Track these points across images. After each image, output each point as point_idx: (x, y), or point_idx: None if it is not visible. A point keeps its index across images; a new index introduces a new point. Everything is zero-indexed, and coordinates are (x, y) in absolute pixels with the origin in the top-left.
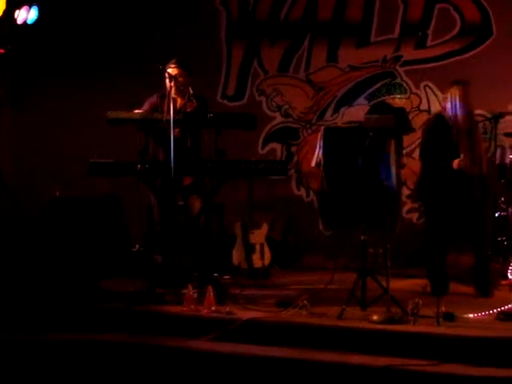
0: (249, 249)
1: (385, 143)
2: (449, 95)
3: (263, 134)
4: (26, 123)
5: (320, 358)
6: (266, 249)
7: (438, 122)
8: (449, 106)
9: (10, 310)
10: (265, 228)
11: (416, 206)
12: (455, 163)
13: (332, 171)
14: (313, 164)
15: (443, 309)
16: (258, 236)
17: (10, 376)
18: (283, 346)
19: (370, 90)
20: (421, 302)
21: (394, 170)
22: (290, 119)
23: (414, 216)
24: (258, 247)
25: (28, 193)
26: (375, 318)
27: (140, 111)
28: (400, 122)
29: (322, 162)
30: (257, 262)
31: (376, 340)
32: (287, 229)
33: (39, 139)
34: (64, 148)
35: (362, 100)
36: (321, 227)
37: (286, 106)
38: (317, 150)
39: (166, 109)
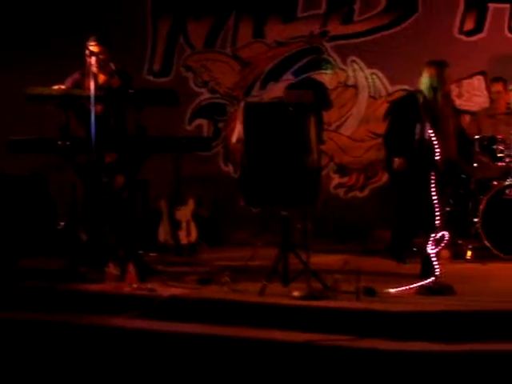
0: (175, 225)
1: (305, 119)
2: (424, 75)
3: (190, 110)
4: None
5: (241, 335)
6: (193, 225)
7: (409, 102)
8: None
9: None
10: (191, 204)
11: (344, 181)
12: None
13: (253, 147)
14: (234, 140)
15: (363, 284)
16: (185, 213)
17: None
18: (205, 322)
19: (297, 66)
20: (340, 277)
21: (314, 145)
22: (217, 95)
23: (341, 191)
24: (184, 224)
25: None
26: (296, 293)
27: (59, 87)
28: (319, 97)
29: (242, 137)
30: (183, 239)
31: (297, 316)
32: (214, 205)
33: None
34: None
35: (288, 75)
36: (242, 203)
37: (213, 82)
38: (237, 126)
39: (87, 85)
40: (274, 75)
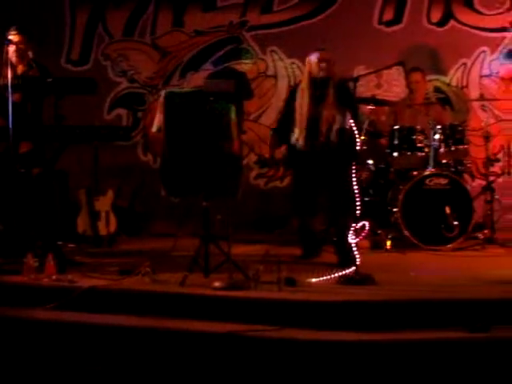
0: (94, 216)
1: (225, 108)
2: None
3: (109, 99)
4: None
5: (162, 326)
6: (112, 216)
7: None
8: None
9: None
10: (110, 195)
11: (263, 171)
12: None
13: (173, 136)
14: (154, 129)
15: (284, 274)
16: (103, 203)
17: None
18: (126, 313)
19: (217, 55)
20: (261, 267)
21: (235, 135)
22: (136, 84)
23: (262, 182)
24: (103, 214)
25: None
26: (217, 284)
27: None
28: (240, 87)
29: (163, 126)
30: (102, 230)
31: (218, 307)
32: (134, 195)
33: None
34: None
35: (208, 65)
36: (163, 193)
37: (132, 71)
38: (157, 115)
39: (5, 74)
40: (194, 65)
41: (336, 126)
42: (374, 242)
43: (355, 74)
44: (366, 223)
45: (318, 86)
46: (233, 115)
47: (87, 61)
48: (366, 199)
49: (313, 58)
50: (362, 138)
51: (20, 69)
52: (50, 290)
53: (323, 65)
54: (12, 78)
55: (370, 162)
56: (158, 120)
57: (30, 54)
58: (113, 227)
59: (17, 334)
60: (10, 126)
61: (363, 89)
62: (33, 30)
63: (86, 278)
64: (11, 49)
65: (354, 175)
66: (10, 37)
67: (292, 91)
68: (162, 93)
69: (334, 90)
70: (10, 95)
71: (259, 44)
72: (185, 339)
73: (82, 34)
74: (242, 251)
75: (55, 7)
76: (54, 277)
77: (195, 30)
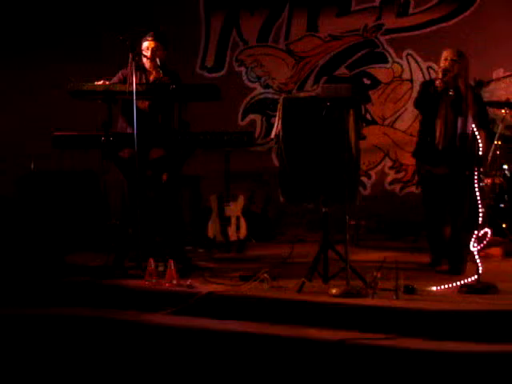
0: (224, 221)
1: (343, 113)
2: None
3: (243, 105)
4: None
5: (277, 332)
6: (242, 222)
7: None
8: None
9: None
10: (241, 200)
11: (399, 177)
12: None
13: (291, 143)
14: (272, 135)
15: (405, 282)
16: (234, 209)
17: None
18: (242, 319)
19: (351, 60)
20: (379, 274)
21: (353, 141)
22: (270, 90)
23: (397, 187)
24: (233, 220)
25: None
26: (334, 291)
27: (104, 83)
28: (357, 91)
29: (280, 132)
30: (232, 235)
31: (333, 314)
32: (267, 201)
33: (5, 112)
34: (36, 121)
35: (342, 70)
36: (281, 200)
37: (266, 77)
38: (276, 121)
39: (135, 80)
40: (328, 70)
41: (459, 131)
42: (508, 250)
43: (494, 77)
44: (489, 231)
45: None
46: (350, 120)
47: (222, 67)
48: (501, 206)
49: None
50: (496, 143)
51: (153, 75)
52: (170, 295)
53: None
54: (144, 85)
55: (505, 167)
56: (276, 126)
57: (161, 60)
58: (243, 233)
59: (135, 338)
60: (135, 132)
61: (503, 92)
62: (168, 37)
63: (207, 283)
64: (146, 55)
65: (476, 181)
66: (146, 43)
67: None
68: (280, 99)
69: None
70: (134, 102)
71: (395, 47)
72: (298, 346)
73: (217, 40)
74: (369, 257)
75: (190, 14)
76: (174, 282)
77: (329, 35)
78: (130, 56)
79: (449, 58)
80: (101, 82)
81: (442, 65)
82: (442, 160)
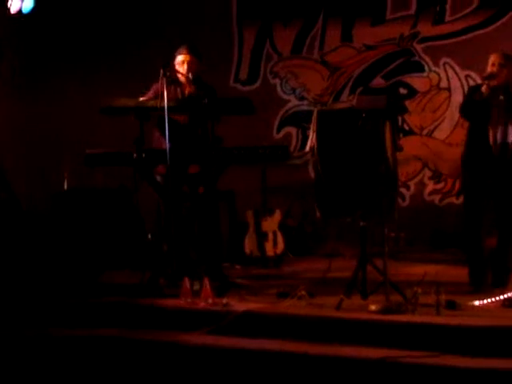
0: (261, 237)
1: (379, 125)
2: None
3: (278, 117)
4: (27, 114)
5: (315, 351)
6: (279, 236)
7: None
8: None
9: (12, 306)
10: (278, 215)
11: (438, 187)
12: None
13: (326, 156)
14: (307, 149)
15: (446, 296)
16: (271, 223)
17: (11, 373)
18: (279, 338)
19: (387, 69)
20: (419, 289)
21: (389, 152)
22: (305, 102)
23: (436, 198)
24: (270, 235)
25: (35, 185)
26: (373, 307)
27: (139, 98)
28: (393, 102)
29: (315, 146)
30: (269, 250)
31: (373, 331)
32: (304, 215)
33: (42, 130)
34: (69, 138)
35: (378, 80)
36: (317, 214)
37: (301, 89)
38: (310, 134)
39: (170, 95)
40: (364, 80)
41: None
42: None
43: None
44: None
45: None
46: (387, 132)
47: (256, 80)
48: None
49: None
50: None
51: (188, 89)
52: (205, 314)
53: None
54: (176, 100)
55: None
56: (310, 139)
57: (196, 73)
58: (280, 248)
59: (170, 359)
60: (168, 147)
61: None
62: (201, 50)
63: (243, 301)
64: (180, 69)
65: None
66: (180, 57)
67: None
68: (314, 112)
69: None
70: (166, 118)
71: (431, 56)
72: (337, 365)
73: (250, 52)
74: (409, 271)
75: (223, 27)
76: (210, 300)
77: (364, 44)
78: (161, 71)
79: (496, 63)
80: (129, 99)
81: (489, 70)
82: (493, 169)
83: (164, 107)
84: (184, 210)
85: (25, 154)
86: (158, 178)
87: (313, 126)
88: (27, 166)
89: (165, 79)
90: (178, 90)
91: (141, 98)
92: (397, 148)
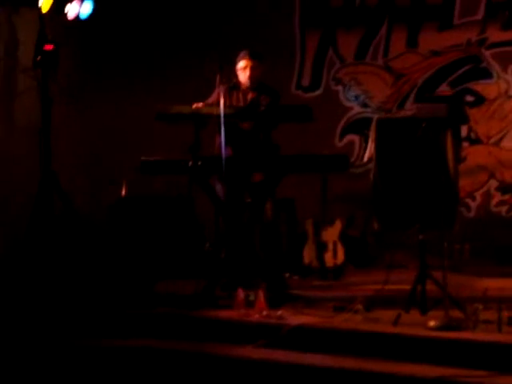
0: (321, 247)
1: (440, 134)
2: None
3: (340, 125)
4: (83, 122)
5: (370, 368)
6: (340, 247)
7: None
8: None
9: (65, 315)
10: (338, 224)
11: (505, 198)
12: None
13: (385, 166)
14: (365, 159)
15: (506, 313)
16: (331, 233)
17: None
18: (333, 353)
19: (454, 76)
20: (481, 306)
21: (451, 163)
22: (369, 109)
23: (503, 209)
24: (330, 245)
25: (92, 193)
26: (432, 324)
27: (196, 105)
28: (455, 111)
29: (374, 155)
30: (329, 261)
31: (430, 348)
32: (365, 225)
33: (99, 137)
34: (128, 145)
35: (444, 87)
36: (376, 226)
37: (364, 96)
38: (369, 144)
39: (234, 101)
40: (429, 87)
41: None
42: None
43: None
44: None
45: None
46: (448, 142)
47: (318, 86)
48: None
49: None
50: None
51: (250, 95)
52: (259, 327)
53: None
54: (233, 107)
55: None
56: (369, 149)
57: (258, 78)
58: (340, 259)
59: (222, 373)
60: (224, 156)
61: None
62: (263, 55)
63: (298, 314)
64: (241, 75)
65: None
66: (242, 62)
67: None
68: (374, 121)
69: None
70: (222, 126)
71: (500, 62)
72: (391, 383)
73: (312, 59)
74: (471, 284)
75: (285, 34)
76: (264, 313)
77: (430, 50)
78: (218, 77)
79: None
80: (185, 106)
81: None
82: None
83: (220, 115)
84: (244, 219)
85: (82, 162)
86: (219, 187)
87: (372, 135)
88: (84, 175)
89: (221, 85)
90: (240, 96)
91: (194, 105)
92: (459, 159)
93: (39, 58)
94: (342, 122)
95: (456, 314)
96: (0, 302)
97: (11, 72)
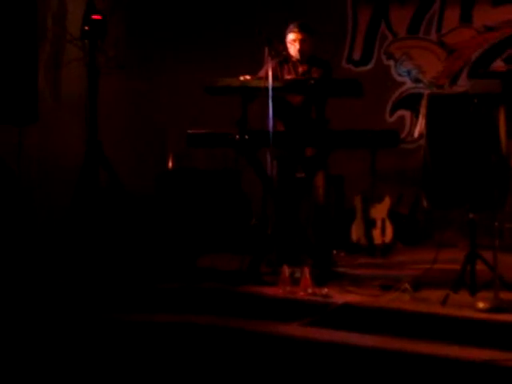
0: (369, 224)
1: (492, 111)
2: None
3: (391, 100)
4: (131, 92)
5: (414, 349)
6: (388, 224)
7: None
8: None
9: (105, 289)
10: (387, 201)
11: None
12: None
13: (436, 143)
14: (416, 135)
15: None
16: (380, 210)
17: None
18: (379, 332)
19: (509, 52)
20: None
21: (503, 141)
22: (421, 84)
23: None
24: (378, 223)
25: (137, 165)
26: (481, 305)
27: (244, 77)
28: (509, 87)
29: (424, 132)
30: (377, 239)
31: (480, 330)
32: (416, 202)
33: (147, 109)
34: (175, 117)
35: (499, 63)
36: (425, 204)
37: (416, 71)
38: (419, 120)
39: (284, 74)
40: (483, 63)
41: None
42: None
43: None
44: None
45: None
46: (501, 118)
47: (369, 60)
48: None
49: None
50: None
51: (300, 68)
52: (303, 305)
53: None
54: (281, 80)
55: None
56: (420, 125)
57: (309, 51)
58: (388, 236)
59: (266, 350)
60: (271, 130)
61: None
62: (314, 28)
63: (344, 292)
64: (291, 47)
65: None
66: (292, 35)
67: None
68: (425, 96)
69: None
70: (270, 99)
71: None
72: (436, 365)
73: (364, 32)
74: None
75: (336, 5)
76: (309, 290)
77: (484, 25)
78: (266, 50)
79: None
80: (234, 79)
81: None
82: None
83: (268, 88)
84: (293, 194)
85: (128, 133)
86: (269, 162)
87: (422, 111)
88: (130, 147)
89: (271, 59)
90: (292, 68)
91: (241, 77)
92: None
93: (87, 27)
94: (394, 97)
95: (506, 295)
96: (42, 273)
97: (59, 42)
